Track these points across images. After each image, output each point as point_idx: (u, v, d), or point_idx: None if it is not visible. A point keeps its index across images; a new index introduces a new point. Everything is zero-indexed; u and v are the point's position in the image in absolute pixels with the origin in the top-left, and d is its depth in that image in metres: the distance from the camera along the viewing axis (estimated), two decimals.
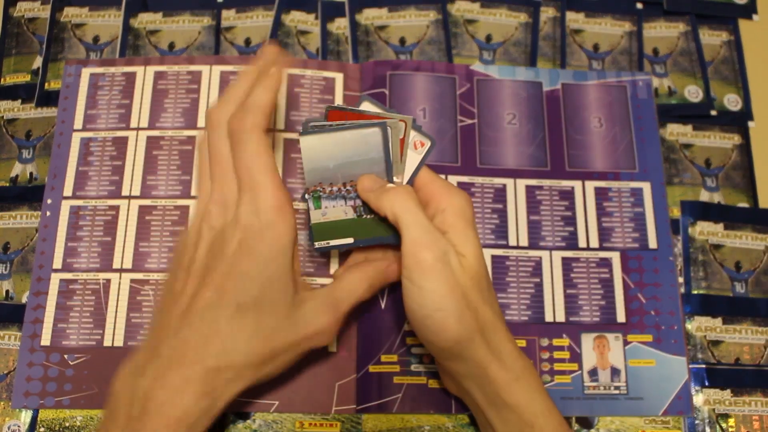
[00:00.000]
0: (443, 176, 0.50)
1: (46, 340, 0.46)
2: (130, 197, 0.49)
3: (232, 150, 0.37)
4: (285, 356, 0.38)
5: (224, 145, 0.38)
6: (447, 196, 0.39)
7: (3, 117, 0.53)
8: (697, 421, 0.47)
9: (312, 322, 0.38)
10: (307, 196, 0.41)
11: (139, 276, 0.47)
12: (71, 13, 0.56)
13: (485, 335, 0.37)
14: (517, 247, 0.49)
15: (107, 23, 0.56)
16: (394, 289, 0.47)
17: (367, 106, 0.41)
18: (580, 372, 0.47)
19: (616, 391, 0.47)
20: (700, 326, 0.49)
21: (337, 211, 0.41)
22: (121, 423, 0.34)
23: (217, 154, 0.38)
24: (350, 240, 0.41)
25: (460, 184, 0.50)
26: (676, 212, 0.52)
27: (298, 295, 0.38)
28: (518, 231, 0.50)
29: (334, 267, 0.48)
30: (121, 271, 0.47)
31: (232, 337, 0.35)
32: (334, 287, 0.40)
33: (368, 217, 0.41)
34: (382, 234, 0.41)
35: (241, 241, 0.36)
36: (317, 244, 0.41)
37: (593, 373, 0.47)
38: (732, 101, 0.56)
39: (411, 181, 0.41)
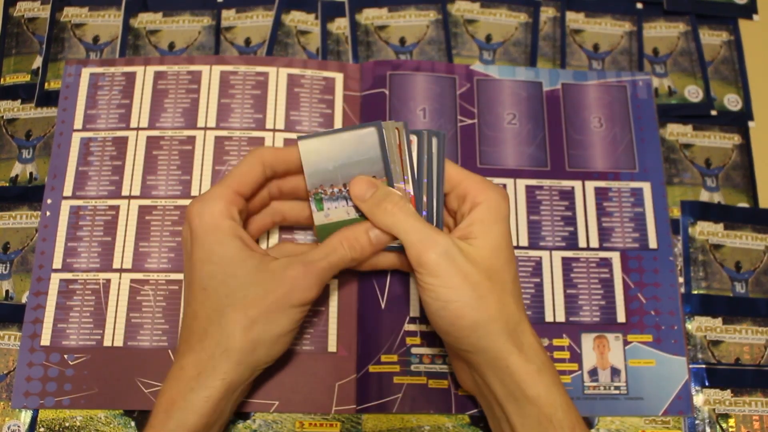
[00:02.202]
0: None
1: (46, 340, 0.46)
2: (130, 197, 0.49)
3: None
4: (278, 323, 0.39)
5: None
6: (483, 191, 0.40)
7: (3, 117, 0.53)
8: (697, 421, 0.47)
9: (283, 275, 0.38)
10: (309, 198, 0.41)
11: (139, 276, 0.47)
12: (71, 13, 0.56)
13: (507, 325, 0.37)
14: (517, 247, 0.49)
15: (107, 23, 0.56)
16: (394, 288, 0.47)
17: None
18: (580, 372, 0.47)
19: (616, 391, 0.47)
20: (700, 326, 0.49)
21: (340, 212, 0.41)
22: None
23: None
24: None
25: None
26: (676, 212, 0.52)
27: (265, 259, 0.39)
28: (518, 231, 0.50)
29: None
30: (121, 271, 0.47)
31: (229, 329, 0.38)
32: (306, 251, 0.41)
33: None
34: None
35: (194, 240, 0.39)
36: None
37: (593, 373, 0.47)
38: (732, 101, 0.56)
39: (440, 180, 0.41)
